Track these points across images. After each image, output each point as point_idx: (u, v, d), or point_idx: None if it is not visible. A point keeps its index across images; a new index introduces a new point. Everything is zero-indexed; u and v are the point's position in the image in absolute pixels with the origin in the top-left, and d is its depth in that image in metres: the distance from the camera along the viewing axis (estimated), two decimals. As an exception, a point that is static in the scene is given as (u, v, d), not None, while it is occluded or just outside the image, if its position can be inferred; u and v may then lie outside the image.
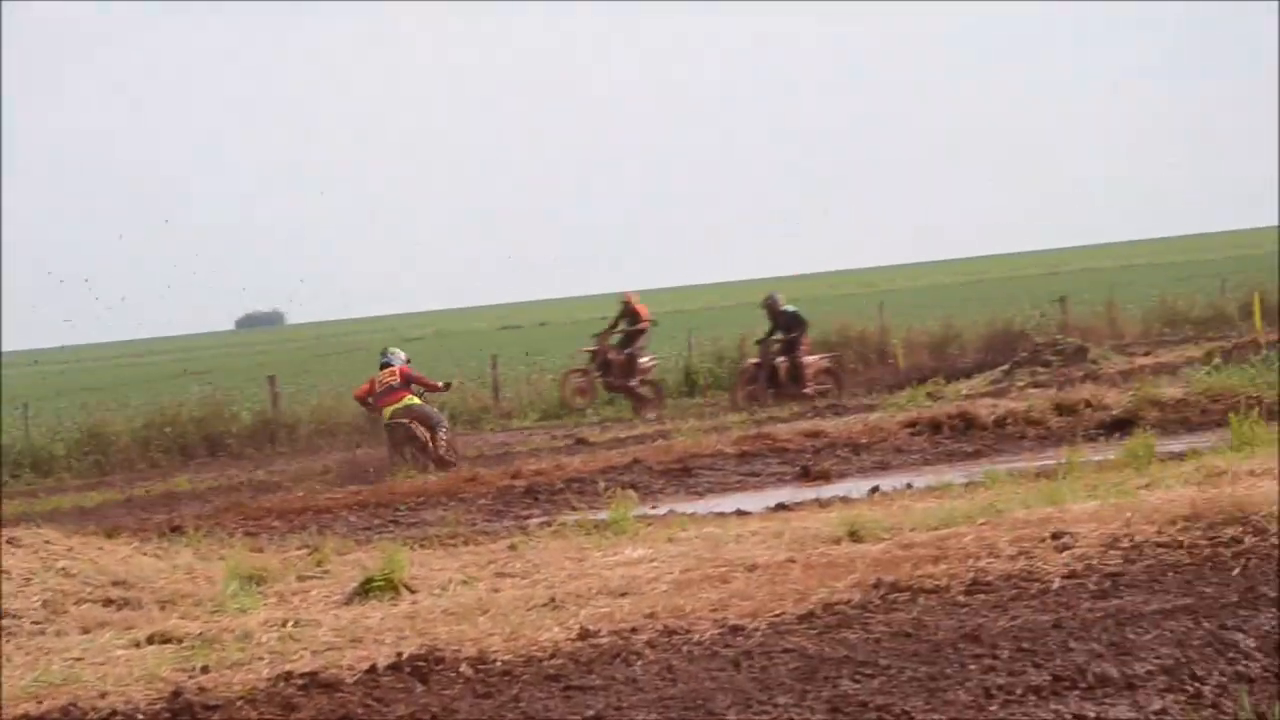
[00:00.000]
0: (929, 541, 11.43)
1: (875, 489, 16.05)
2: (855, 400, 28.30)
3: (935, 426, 20.87)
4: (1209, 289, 42.76)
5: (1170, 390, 21.47)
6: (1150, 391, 21.10)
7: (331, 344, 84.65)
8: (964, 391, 26.91)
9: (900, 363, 35.30)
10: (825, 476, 18.04)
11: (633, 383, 31.29)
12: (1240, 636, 8.33)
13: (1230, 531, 10.87)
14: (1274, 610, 8.75)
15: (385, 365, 23.86)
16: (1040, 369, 29.07)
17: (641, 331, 31.47)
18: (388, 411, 23.28)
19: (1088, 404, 21.03)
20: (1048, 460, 16.64)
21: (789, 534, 12.59)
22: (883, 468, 18.55)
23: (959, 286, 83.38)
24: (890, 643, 8.92)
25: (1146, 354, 31.70)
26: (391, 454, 22.94)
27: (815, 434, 21.02)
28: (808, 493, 16.53)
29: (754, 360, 30.90)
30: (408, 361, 24.30)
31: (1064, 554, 10.71)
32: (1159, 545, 10.77)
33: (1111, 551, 10.70)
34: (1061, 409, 20.98)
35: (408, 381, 23.53)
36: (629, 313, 31.72)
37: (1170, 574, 10.03)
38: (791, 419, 25.16)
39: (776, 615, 9.79)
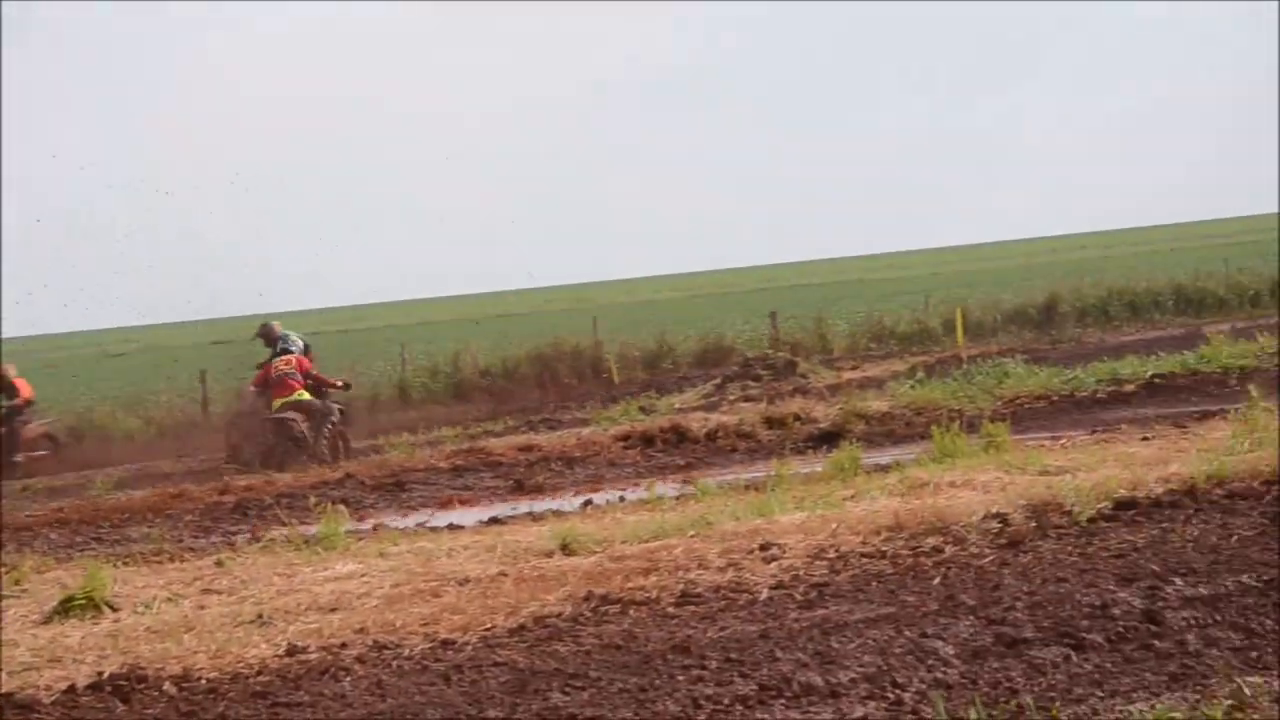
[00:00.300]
0: (640, 554, 11.51)
1: (588, 502, 16.11)
2: (569, 414, 28.41)
3: (648, 440, 21.04)
4: (914, 305, 43.88)
5: (876, 404, 21.99)
6: (857, 405, 21.58)
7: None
8: (677, 405, 27.22)
9: (615, 377, 35.56)
10: (539, 490, 18.06)
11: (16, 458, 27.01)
12: (940, 644, 8.53)
13: (932, 541, 11.16)
14: (972, 618, 8.98)
15: (284, 352, 23.17)
16: (751, 383, 29.48)
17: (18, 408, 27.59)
18: (277, 403, 22.58)
19: (797, 417, 21.39)
20: (758, 473, 16.87)
21: (501, 548, 12.56)
22: (596, 481, 18.62)
23: (674, 302, 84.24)
24: (601, 655, 8.95)
25: (854, 368, 32.39)
26: (271, 446, 22.12)
27: (529, 448, 21.04)
28: (521, 506, 16.53)
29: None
30: (306, 350, 23.48)
31: (772, 565, 10.87)
32: (864, 555, 11.00)
33: (818, 562, 10.89)
34: (771, 422, 21.32)
35: (306, 375, 22.85)
36: (5, 386, 27.58)
37: (874, 584, 10.25)
38: (505, 433, 25.15)
39: (488, 629, 9.76)
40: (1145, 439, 16.14)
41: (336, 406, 23.45)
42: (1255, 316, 36.68)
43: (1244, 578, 9.40)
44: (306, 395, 22.80)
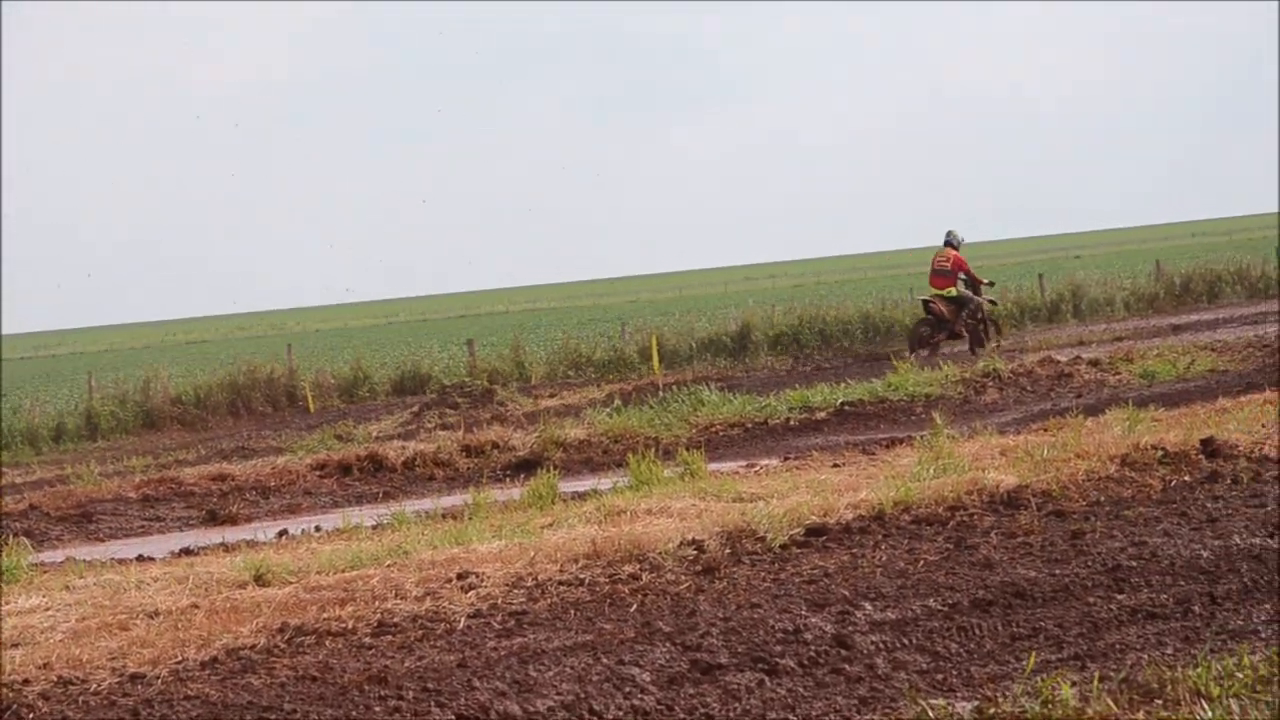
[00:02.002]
0: (336, 584, 11.36)
1: (283, 532, 15.85)
2: (264, 443, 27.96)
3: (345, 469, 20.81)
4: (611, 333, 44.24)
5: (574, 431, 22.08)
6: (555, 433, 21.65)
7: None
8: (374, 434, 26.98)
9: (311, 405, 35.13)
10: (232, 520, 17.70)
11: None
12: (637, 671, 8.59)
13: (629, 569, 11.24)
14: (669, 645, 9.07)
15: (947, 244, 31.53)
16: (449, 411, 29.39)
17: None
18: (930, 293, 30.46)
19: (495, 445, 21.38)
20: (456, 501, 16.81)
21: (193, 579, 12.28)
22: (292, 510, 18.35)
23: (370, 329, 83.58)
24: (295, 687, 8.80)
25: (552, 396, 32.50)
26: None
27: (222, 477, 20.60)
28: (214, 537, 16.17)
29: None
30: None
31: (470, 594, 10.83)
32: (561, 583, 11.03)
33: (516, 590, 10.89)
34: (469, 450, 21.27)
35: (956, 269, 30.94)
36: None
37: (572, 612, 10.28)
38: (198, 462, 24.64)
39: (178, 662, 9.52)
40: (836, 466, 16.50)
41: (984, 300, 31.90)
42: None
43: (930, 601, 9.68)
44: (954, 291, 30.93)
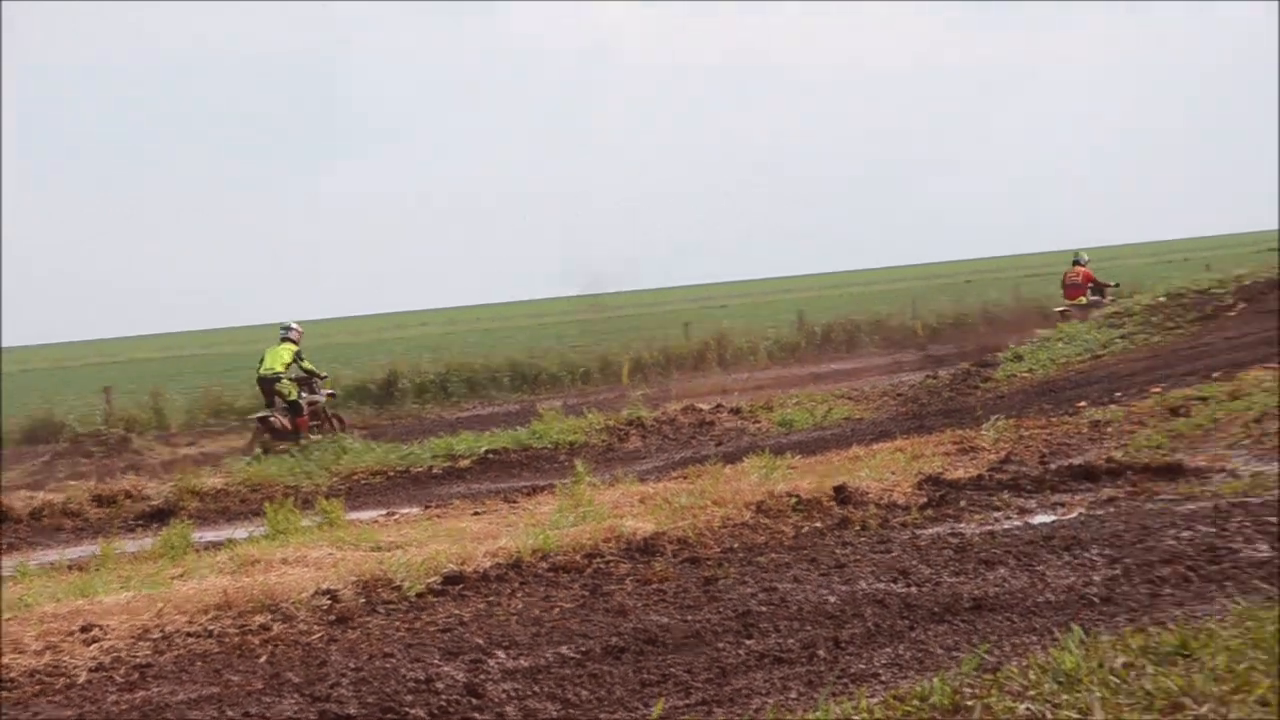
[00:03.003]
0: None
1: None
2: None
3: (-35, 520, 19.97)
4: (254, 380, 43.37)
5: (212, 480, 21.64)
6: (191, 482, 21.18)
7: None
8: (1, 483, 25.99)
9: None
10: None
11: None
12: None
13: (260, 619, 11.00)
14: (298, 696, 8.88)
15: (1076, 262, 35.88)
16: (83, 459, 28.54)
17: None
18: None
19: (128, 495, 20.80)
20: (84, 552, 16.27)
21: None
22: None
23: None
24: (-102, 749, 8.36)
25: (191, 444, 31.78)
26: None
27: None
28: None
29: None
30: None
31: (93, 647, 10.45)
32: (190, 635, 10.73)
33: (141, 643, 10.55)
34: (101, 500, 20.64)
35: (1086, 282, 35.60)
36: None
37: (199, 663, 10.00)
38: None
39: None
40: (477, 514, 16.45)
41: None
42: (586, 393, 38.20)
43: (563, 649, 9.66)
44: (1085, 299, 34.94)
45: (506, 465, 22.74)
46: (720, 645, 9.54)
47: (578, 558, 12.62)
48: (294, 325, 28.40)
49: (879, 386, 30.27)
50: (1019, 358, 28.87)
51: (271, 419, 27.61)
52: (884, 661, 8.88)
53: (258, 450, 26.89)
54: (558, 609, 10.93)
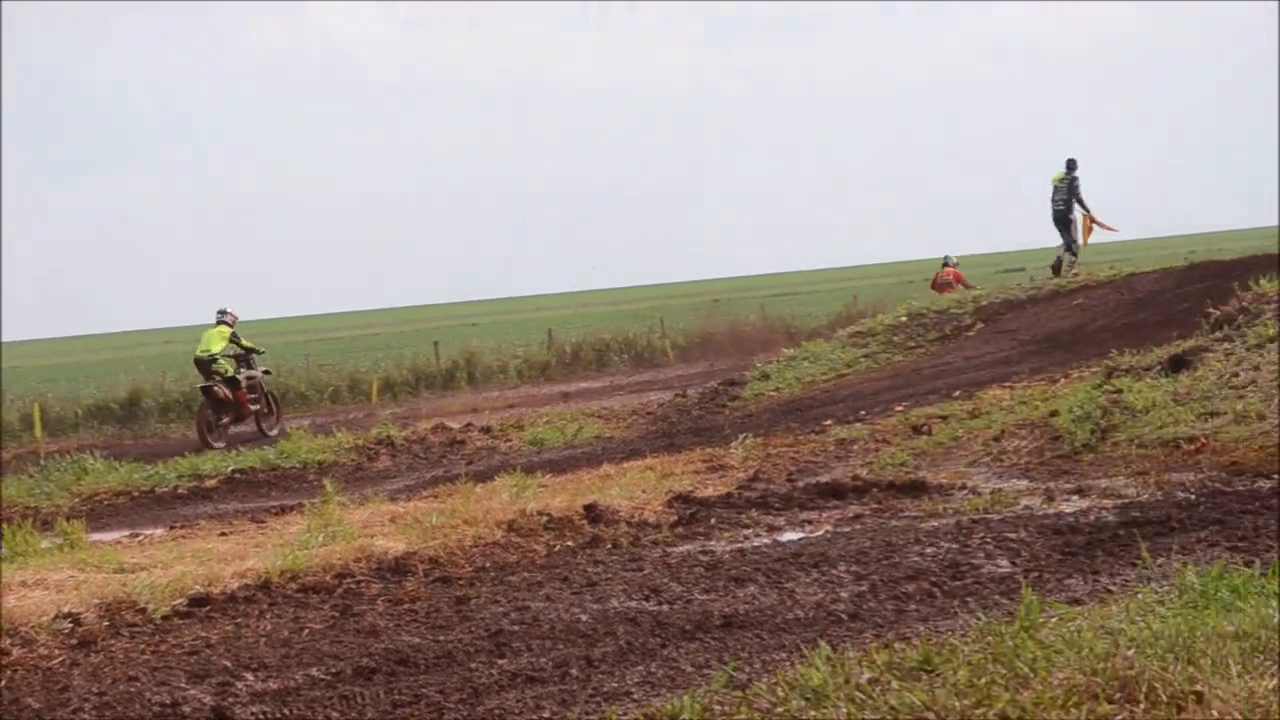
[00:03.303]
0: None
1: None
2: None
3: None
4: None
5: (-56, 502, 20.95)
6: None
7: None
8: None
9: None
10: None
11: None
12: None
13: (-2, 645, 10.69)
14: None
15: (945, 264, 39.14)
16: None
17: None
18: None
19: None
20: None
21: None
22: None
23: None
24: None
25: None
26: None
27: None
28: None
29: None
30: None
31: None
32: (-77, 662, 10.38)
33: None
34: None
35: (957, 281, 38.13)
36: None
37: (-68, 692, 9.69)
38: None
39: None
40: (224, 534, 16.16)
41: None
42: (335, 412, 37.85)
43: (313, 670, 9.56)
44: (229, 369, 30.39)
45: (254, 485, 22.40)
46: (473, 665, 9.52)
47: (328, 578, 12.49)
48: (228, 310, 31.50)
49: (629, 405, 30.42)
50: (766, 376, 29.23)
51: (215, 389, 30.39)
52: (636, 680, 8.94)
53: (212, 438, 29.59)
54: (307, 630, 10.81)
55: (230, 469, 23.07)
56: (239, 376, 30.62)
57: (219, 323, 31.27)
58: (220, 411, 30.33)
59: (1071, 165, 33.89)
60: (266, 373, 32.62)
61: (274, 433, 30.51)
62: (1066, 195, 34.03)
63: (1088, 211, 34.19)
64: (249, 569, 12.76)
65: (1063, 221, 34.27)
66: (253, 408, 30.91)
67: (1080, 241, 34.48)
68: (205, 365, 30.68)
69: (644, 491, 16.11)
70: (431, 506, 15.72)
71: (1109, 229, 34.59)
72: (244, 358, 31.11)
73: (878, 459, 17.61)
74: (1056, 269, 34.40)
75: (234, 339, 31.00)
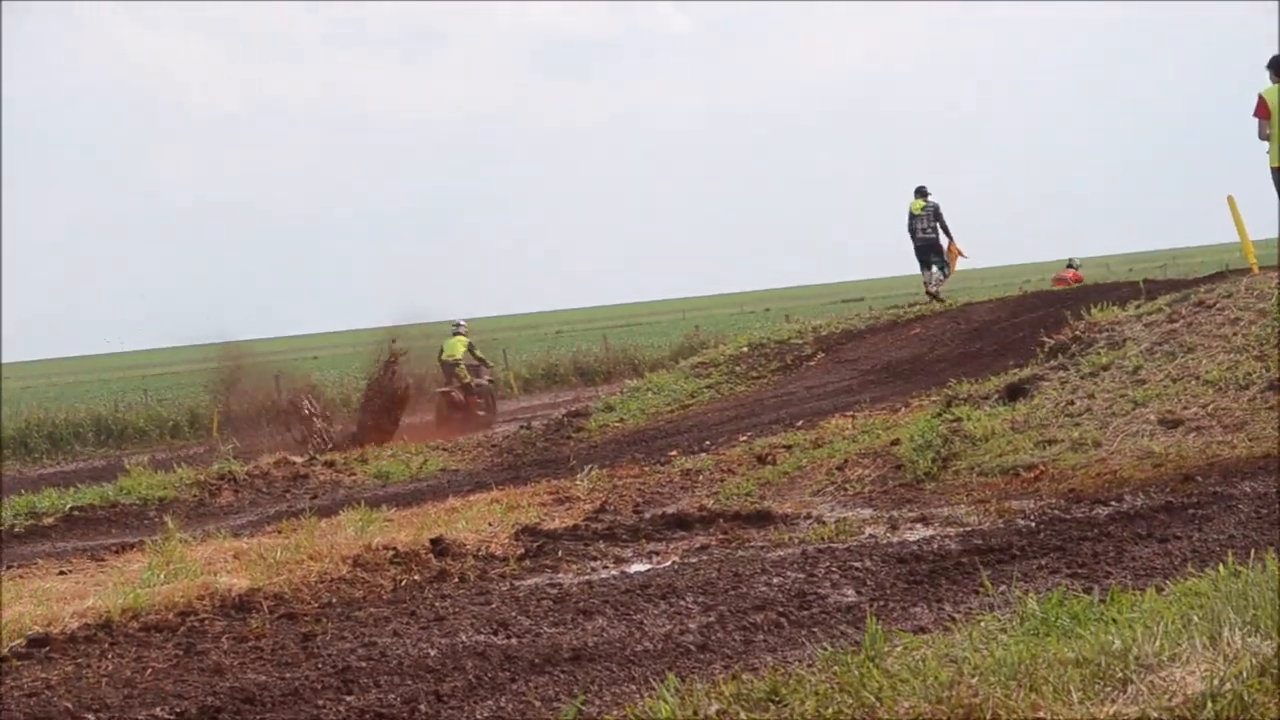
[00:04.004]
0: None
1: None
2: None
3: None
4: None
5: None
6: None
7: None
8: None
9: None
10: None
11: None
12: None
13: None
14: None
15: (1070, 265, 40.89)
16: None
17: None
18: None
19: None
20: None
21: None
22: None
23: None
24: None
25: None
26: None
27: None
28: None
29: None
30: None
31: None
32: None
33: None
34: None
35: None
36: None
37: None
38: None
39: None
40: (63, 573, 15.89)
41: None
42: (175, 447, 37.36)
43: (157, 710, 9.42)
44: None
45: (94, 523, 22.02)
46: (320, 702, 9.43)
47: (170, 616, 12.32)
48: (461, 322, 35.79)
49: (473, 437, 30.36)
50: (610, 408, 29.35)
51: (452, 393, 34.50)
52: (485, 715, 8.91)
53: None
54: (151, 669, 10.64)
55: (69, 506, 22.68)
56: (473, 383, 34.88)
57: (455, 334, 35.47)
58: (454, 410, 34.10)
59: (924, 192, 34.10)
60: (492, 381, 36.98)
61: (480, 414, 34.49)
62: (934, 221, 34.23)
63: (952, 240, 34.45)
64: (89, 608, 12.55)
65: (934, 248, 34.43)
66: (479, 413, 34.67)
67: (950, 269, 34.79)
68: (449, 368, 34.72)
69: (490, 524, 16.08)
70: (275, 542, 15.56)
71: (964, 255, 34.96)
72: (475, 367, 35.12)
73: (723, 489, 17.72)
74: (935, 295, 34.56)
75: (470, 348, 35.13)
